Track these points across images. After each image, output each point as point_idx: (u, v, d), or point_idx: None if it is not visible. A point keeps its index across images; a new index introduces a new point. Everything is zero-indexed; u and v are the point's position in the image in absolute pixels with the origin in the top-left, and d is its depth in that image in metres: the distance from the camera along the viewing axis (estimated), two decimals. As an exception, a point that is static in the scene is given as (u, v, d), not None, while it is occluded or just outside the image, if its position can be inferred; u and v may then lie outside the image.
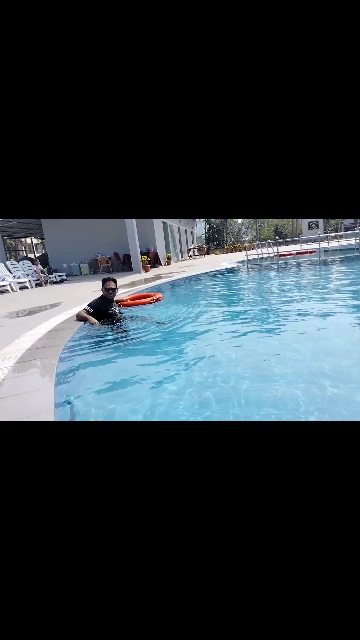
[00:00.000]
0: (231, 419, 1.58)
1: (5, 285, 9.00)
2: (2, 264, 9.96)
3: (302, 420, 1.53)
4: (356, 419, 1.49)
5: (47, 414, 1.45)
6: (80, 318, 3.54)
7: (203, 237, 34.79)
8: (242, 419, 1.57)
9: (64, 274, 12.13)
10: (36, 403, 1.57)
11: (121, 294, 5.35)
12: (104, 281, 3.73)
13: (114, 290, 3.76)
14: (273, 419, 1.55)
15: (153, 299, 4.54)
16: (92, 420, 1.67)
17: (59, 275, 11.47)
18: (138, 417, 1.67)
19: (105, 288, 3.70)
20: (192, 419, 1.60)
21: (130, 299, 4.72)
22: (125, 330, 3.31)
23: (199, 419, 1.59)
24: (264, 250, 11.35)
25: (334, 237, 13.41)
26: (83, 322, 3.25)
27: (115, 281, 3.78)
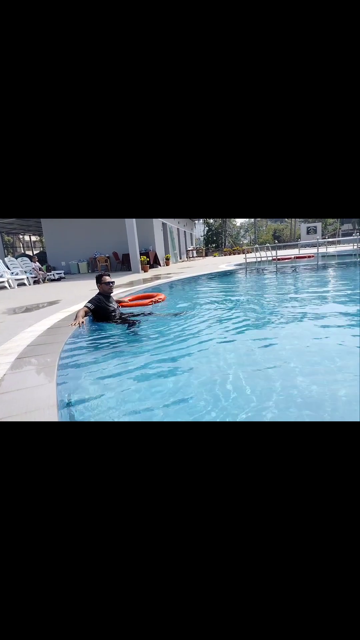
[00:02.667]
0: (231, 419, 1.60)
1: (3, 282, 8.96)
2: (0, 261, 9.92)
3: (302, 420, 1.55)
4: (356, 419, 1.51)
5: (49, 409, 1.46)
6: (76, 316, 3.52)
7: (202, 239, 34.84)
8: (242, 419, 1.59)
9: (62, 272, 12.09)
10: (38, 398, 1.58)
11: (120, 292, 5.36)
12: (100, 277, 3.72)
13: (113, 282, 3.77)
14: (273, 419, 1.57)
15: (152, 301, 4.54)
16: (93, 416, 1.68)
17: (57, 273, 11.44)
18: (138, 413, 1.69)
19: (104, 283, 3.69)
20: (190, 418, 1.62)
21: (131, 300, 4.72)
22: (127, 327, 3.32)
23: (199, 418, 1.61)
24: (263, 253, 11.41)
25: (332, 243, 13.50)
26: (79, 325, 3.25)
27: (109, 275, 3.79)
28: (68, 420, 1.61)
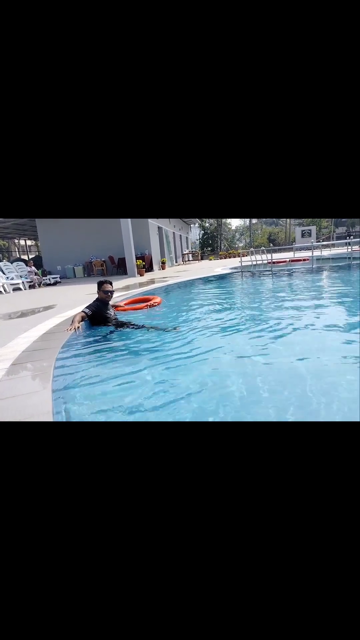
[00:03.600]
0: (231, 419, 1.60)
1: (-2, 287, 8.91)
2: (-4, 265, 9.87)
3: (302, 420, 1.56)
4: (356, 419, 1.51)
5: (44, 415, 1.45)
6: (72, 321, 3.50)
7: (197, 242, 34.93)
8: (241, 419, 1.59)
9: (58, 276, 12.04)
10: (33, 405, 1.56)
11: (116, 297, 5.34)
12: (101, 284, 3.73)
13: (112, 292, 3.77)
14: (273, 419, 1.58)
15: (148, 305, 4.54)
16: (89, 421, 1.67)
17: (52, 278, 11.39)
18: (134, 417, 1.68)
19: (103, 291, 3.70)
20: (188, 420, 1.62)
21: (126, 304, 4.71)
22: (124, 331, 3.31)
23: (197, 420, 1.61)
24: (258, 257, 11.46)
25: (326, 246, 13.60)
26: (74, 330, 3.23)
27: (111, 283, 3.79)
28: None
